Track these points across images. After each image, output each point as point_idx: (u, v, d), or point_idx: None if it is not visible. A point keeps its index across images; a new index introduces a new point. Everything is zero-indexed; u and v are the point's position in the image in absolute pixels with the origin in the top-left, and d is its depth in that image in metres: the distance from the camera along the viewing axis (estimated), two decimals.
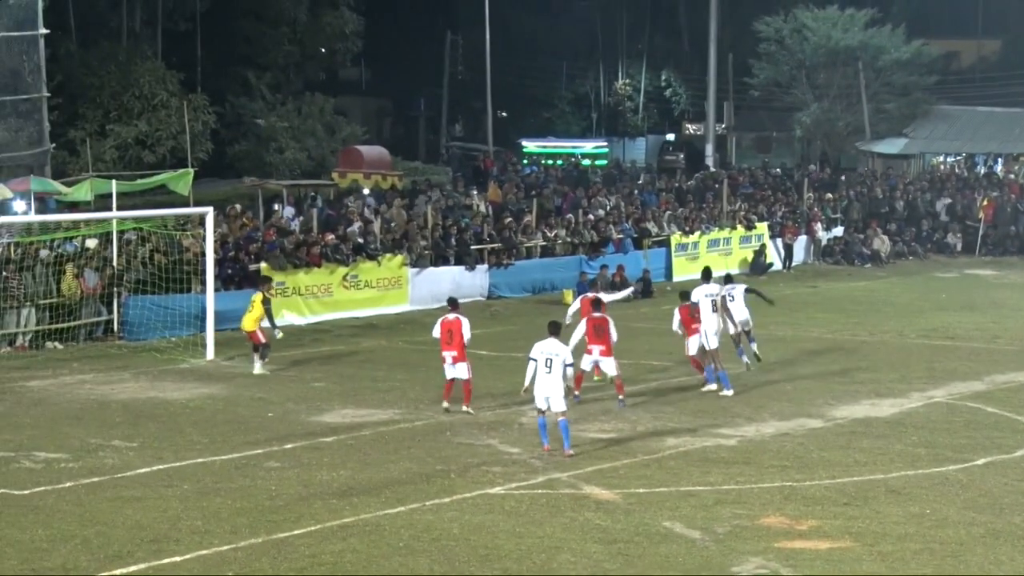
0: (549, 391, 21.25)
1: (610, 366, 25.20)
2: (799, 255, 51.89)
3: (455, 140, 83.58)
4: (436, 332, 24.74)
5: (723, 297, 27.04)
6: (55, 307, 32.24)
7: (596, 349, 25.10)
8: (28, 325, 31.94)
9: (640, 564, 16.08)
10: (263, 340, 29.14)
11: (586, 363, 25.38)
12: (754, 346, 29.10)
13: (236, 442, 22.20)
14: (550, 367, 21.24)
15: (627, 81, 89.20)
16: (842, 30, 68.26)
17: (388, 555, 16.27)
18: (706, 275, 28.13)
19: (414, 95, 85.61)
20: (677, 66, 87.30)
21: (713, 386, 26.51)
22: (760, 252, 49.52)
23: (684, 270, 45.94)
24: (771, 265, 49.82)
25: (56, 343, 31.94)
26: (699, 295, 26.83)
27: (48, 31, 44.29)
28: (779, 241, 51.16)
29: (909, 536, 17.20)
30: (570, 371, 21.88)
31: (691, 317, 26.91)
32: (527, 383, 21.69)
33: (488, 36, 71.93)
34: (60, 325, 32.10)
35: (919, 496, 19.10)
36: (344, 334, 35.11)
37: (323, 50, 67.67)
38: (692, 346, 27.09)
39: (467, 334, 24.45)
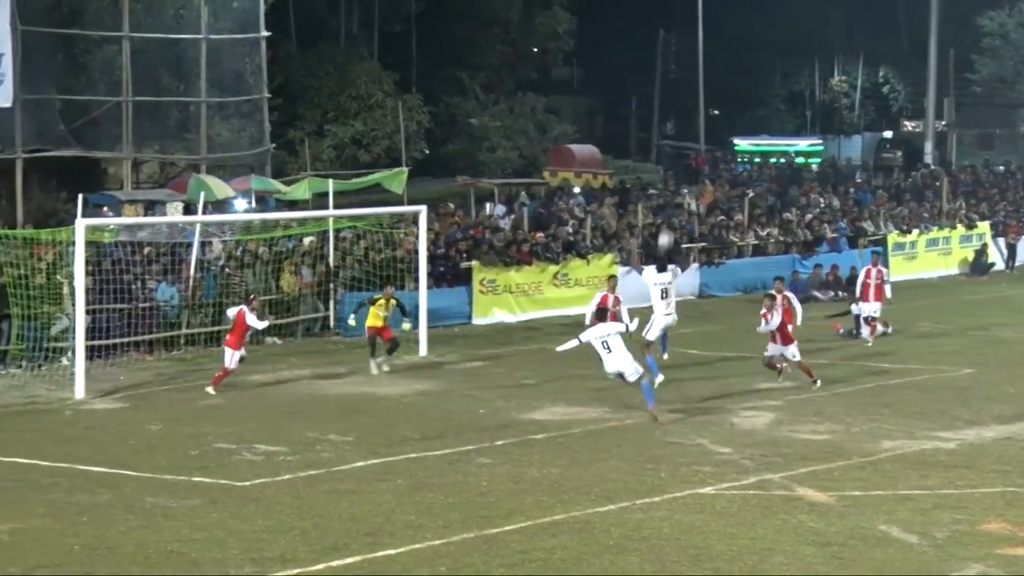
0: (619, 366, 22.86)
1: (792, 353, 26.32)
2: (1023, 255, 50.34)
3: (666, 139, 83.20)
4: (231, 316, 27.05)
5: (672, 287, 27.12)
6: (274, 303, 33.00)
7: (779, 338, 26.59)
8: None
9: (855, 568, 15.74)
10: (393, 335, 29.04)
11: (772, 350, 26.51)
12: None
13: (448, 438, 22.42)
14: (609, 348, 22.83)
15: (843, 78, 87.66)
16: None
17: (598, 553, 16.23)
18: (661, 266, 28.18)
19: (626, 94, 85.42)
20: (895, 62, 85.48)
21: (659, 377, 25.83)
22: (981, 252, 48.18)
23: (901, 270, 44.94)
24: (993, 265, 48.45)
25: (275, 338, 32.66)
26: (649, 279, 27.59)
27: (269, 34, 45.45)
28: (1001, 241, 49.74)
29: None
30: (633, 325, 23.66)
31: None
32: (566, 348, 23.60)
33: (701, 34, 71.47)
34: (279, 321, 32.81)
35: None
36: (554, 332, 35.08)
37: (535, 50, 68.08)
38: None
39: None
